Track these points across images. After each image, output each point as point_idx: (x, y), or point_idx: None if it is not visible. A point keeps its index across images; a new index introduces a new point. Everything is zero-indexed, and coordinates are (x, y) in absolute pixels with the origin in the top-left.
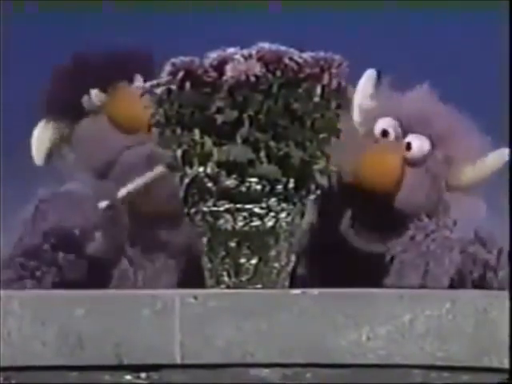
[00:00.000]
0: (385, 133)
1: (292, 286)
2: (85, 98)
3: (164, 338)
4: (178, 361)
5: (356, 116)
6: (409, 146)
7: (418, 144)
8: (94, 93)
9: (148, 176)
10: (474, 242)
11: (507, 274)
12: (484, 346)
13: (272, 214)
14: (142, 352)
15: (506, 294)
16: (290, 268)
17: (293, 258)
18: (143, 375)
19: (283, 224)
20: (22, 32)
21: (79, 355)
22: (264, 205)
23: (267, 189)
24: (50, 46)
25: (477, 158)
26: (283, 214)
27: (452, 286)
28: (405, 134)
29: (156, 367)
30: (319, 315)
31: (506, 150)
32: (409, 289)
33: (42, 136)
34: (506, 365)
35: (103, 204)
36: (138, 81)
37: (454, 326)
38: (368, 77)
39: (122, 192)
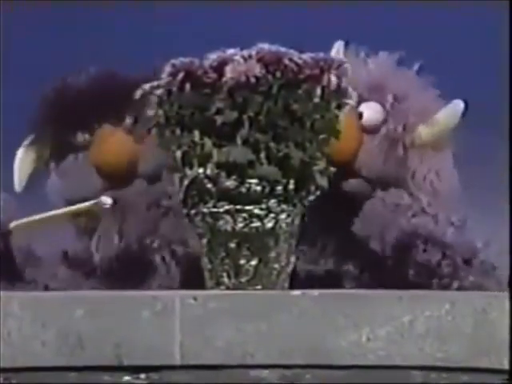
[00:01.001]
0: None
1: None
2: (71, 136)
3: (164, 339)
4: (178, 361)
5: None
6: (361, 115)
7: (369, 112)
8: (79, 135)
9: (46, 215)
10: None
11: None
12: (483, 346)
13: (272, 215)
14: (142, 353)
15: (505, 294)
16: (289, 269)
17: (292, 259)
18: (143, 376)
19: (283, 225)
20: (22, 33)
21: (79, 356)
22: (264, 206)
23: (267, 190)
24: (50, 46)
25: (431, 117)
26: (283, 215)
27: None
28: (359, 103)
29: (156, 368)
30: (319, 316)
31: (460, 102)
32: (408, 290)
33: (24, 163)
34: (506, 365)
35: None
36: (128, 123)
37: (454, 327)
38: (337, 49)
39: (14, 223)
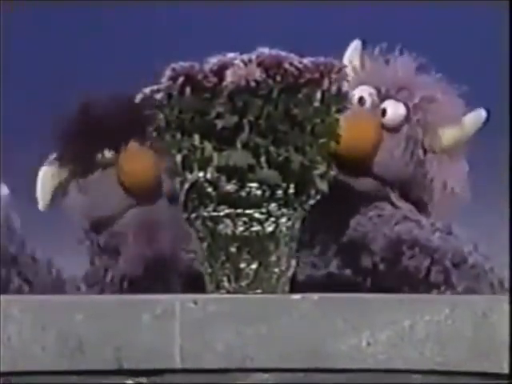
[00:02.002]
0: (361, 100)
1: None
2: (98, 155)
3: (164, 343)
4: (178, 365)
5: None
6: (384, 112)
7: (393, 110)
8: (106, 153)
9: None
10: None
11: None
12: (483, 350)
13: (272, 219)
14: (142, 356)
15: (505, 298)
16: (290, 273)
17: (293, 262)
18: (143, 379)
19: (283, 229)
20: (22, 33)
21: (79, 359)
22: (264, 210)
23: (267, 194)
24: (50, 46)
25: (454, 122)
26: (283, 219)
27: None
28: (382, 101)
29: (156, 372)
30: (319, 320)
31: (483, 111)
32: (408, 294)
33: (47, 182)
34: (506, 369)
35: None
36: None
37: (454, 331)
38: (354, 48)
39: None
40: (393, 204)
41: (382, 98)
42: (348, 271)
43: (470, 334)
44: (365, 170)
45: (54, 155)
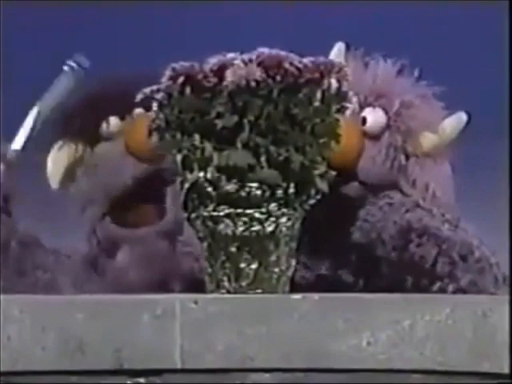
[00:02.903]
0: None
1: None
2: (103, 125)
3: (164, 343)
4: (179, 365)
5: None
6: (364, 120)
7: (373, 117)
8: (112, 120)
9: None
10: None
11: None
12: (484, 350)
13: (272, 218)
14: (142, 357)
15: (506, 298)
16: (290, 273)
17: (293, 262)
18: (143, 380)
19: (283, 229)
20: (22, 33)
21: (79, 360)
22: (264, 210)
23: (267, 194)
24: (50, 46)
25: (434, 127)
26: (283, 219)
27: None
28: (362, 108)
29: (156, 372)
30: (319, 320)
31: (463, 114)
32: (409, 293)
33: (57, 159)
34: (506, 370)
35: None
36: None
37: (454, 331)
38: (338, 50)
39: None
40: (403, 193)
41: (362, 105)
42: (353, 259)
43: (470, 334)
44: (350, 177)
45: (61, 141)
